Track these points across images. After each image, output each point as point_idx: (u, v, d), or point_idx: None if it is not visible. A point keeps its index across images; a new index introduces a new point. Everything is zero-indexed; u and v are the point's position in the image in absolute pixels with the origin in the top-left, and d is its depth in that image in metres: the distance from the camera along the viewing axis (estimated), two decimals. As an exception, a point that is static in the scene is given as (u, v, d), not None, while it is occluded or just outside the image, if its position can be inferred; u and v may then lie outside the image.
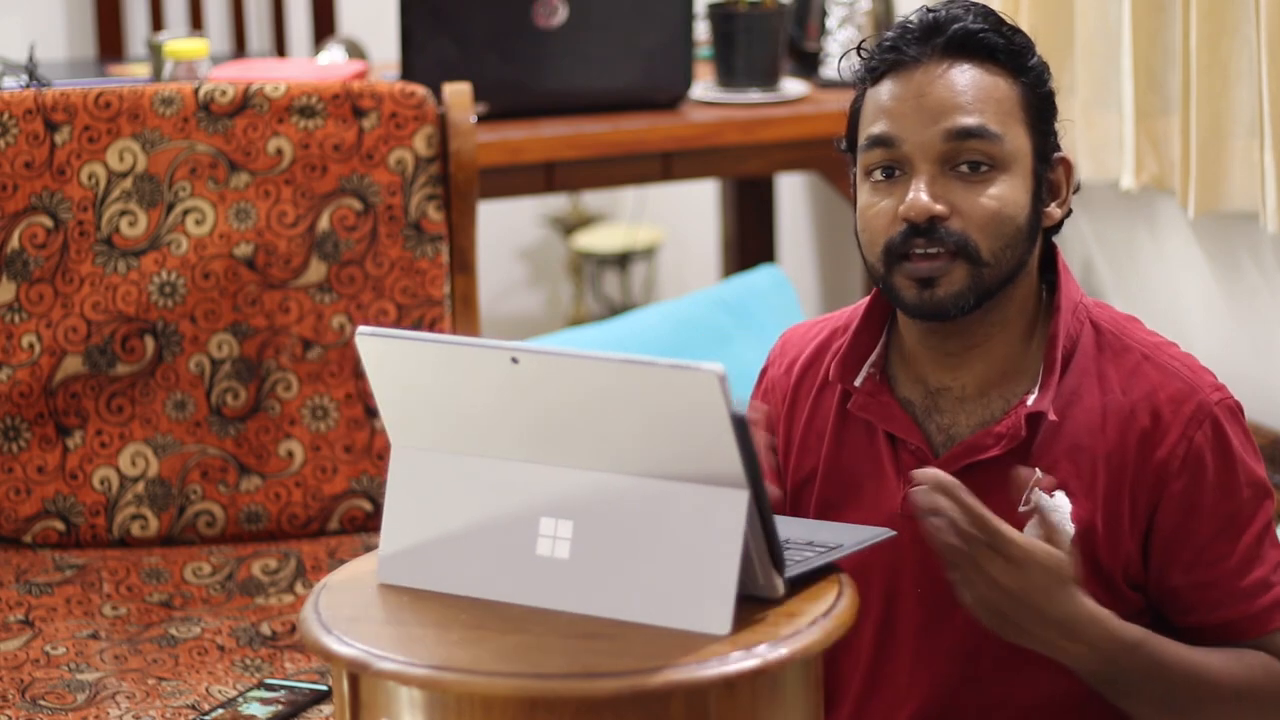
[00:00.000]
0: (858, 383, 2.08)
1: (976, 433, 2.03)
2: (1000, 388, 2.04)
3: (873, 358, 2.09)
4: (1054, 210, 2.05)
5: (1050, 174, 2.04)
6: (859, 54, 2.05)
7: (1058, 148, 2.05)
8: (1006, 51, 2.00)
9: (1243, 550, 2.01)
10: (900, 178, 1.99)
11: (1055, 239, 2.09)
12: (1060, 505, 1.99)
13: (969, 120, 1.97)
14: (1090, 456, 2.00)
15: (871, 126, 2.00)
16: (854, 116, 2.06)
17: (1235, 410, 2.04)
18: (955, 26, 1.99)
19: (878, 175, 2.00)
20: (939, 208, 1.96)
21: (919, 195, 1.96)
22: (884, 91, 2.01)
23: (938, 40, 1.99)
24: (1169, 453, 2.00)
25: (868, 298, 2.14)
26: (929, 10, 2.02)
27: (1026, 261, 2.02)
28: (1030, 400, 2.01)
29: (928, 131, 1.97)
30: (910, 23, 2.02)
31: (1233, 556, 2.01)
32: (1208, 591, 2.01)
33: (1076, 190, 2.09)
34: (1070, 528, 1.98)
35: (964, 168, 1.97)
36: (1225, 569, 2.01)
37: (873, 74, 2.02)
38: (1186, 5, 3.15)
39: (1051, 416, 2.00)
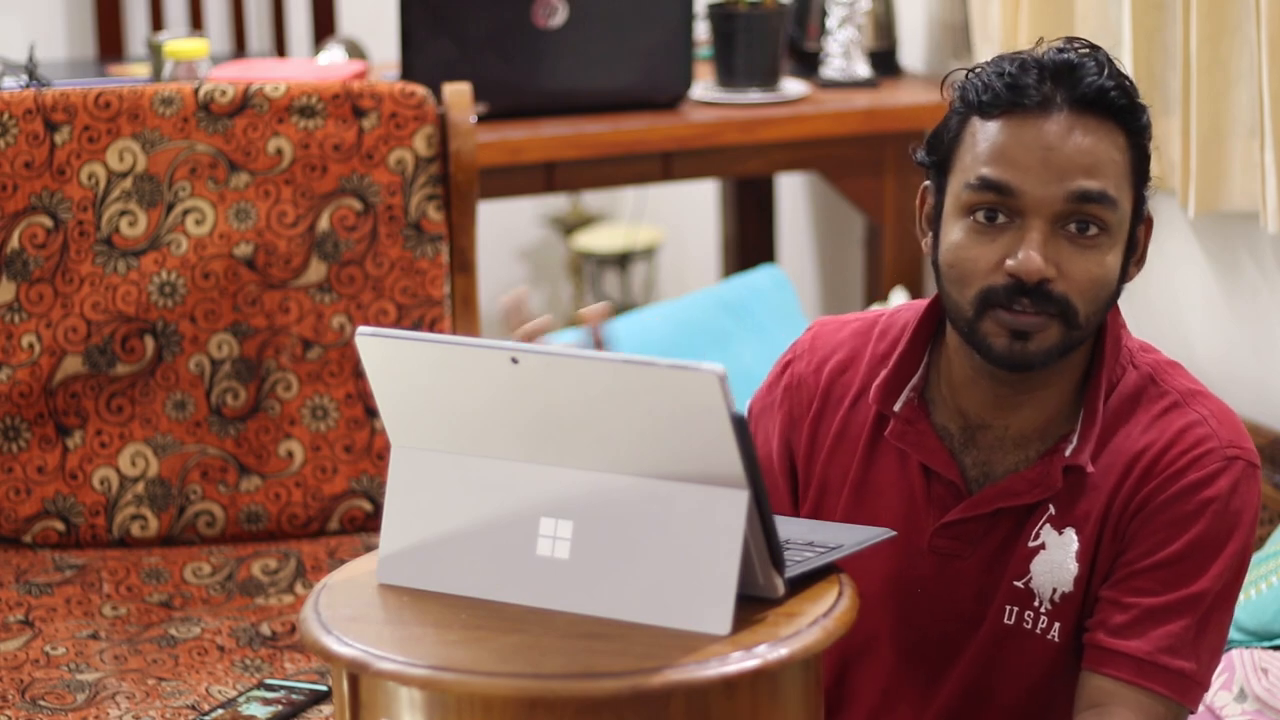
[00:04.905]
0: (897, 408, 2.05)
1: (1010, 476, 2.01)
2: (1040, 431, 2.02)
3: (914, 381, 2.05)
4: (1132, 269, 2.00)
5: (1137, 230, 1.99)
6: (971, 78, 1.96)
7: (1145, 203, 1.99)
8: (1129, 110, 1.94)
9: (1171, 603, 1.95)
10: (1005, 225, 1.93)
11: None
12: (1068, 543, 1.99)
13: (1093, 185, 1.91)
14: (1100, 495, 1.99)
15: (984, 168, 1.92)
16: (949, 137, 1.97)
17: (1246, 472, 1.98)
18: (1089, 80, 1.92)
19: (980, 216, 1.93)
20: (1051, 271, 1.91)
21: (1033, 255, 1.90)
22: (1002, 133, 1.93)
23: (1067, 91, 1.92)
24: (1160, 482, 1.97)
25: (909, 314, 2.09)
26: (1059, 50, 1.94)
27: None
28: (1069, 451, 1.99)
29: (1051, 189, 1.91)
30: (1035, 61, 1.94)
31: (1157, 598, 1.96)
32: (1112, 612, 1.97)
33: None
34: (1074, 566, 1.99)
35: (1073, 227, 1.92)
36: (1142, 604, 1.96)
37: (986, 107, 1.94)
38: (1186, 5, 3.15)
39: (1090, 469, 1.98)
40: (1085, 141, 1.91)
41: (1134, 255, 2.00)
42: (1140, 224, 1.99)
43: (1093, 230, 1.92)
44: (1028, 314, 1.92)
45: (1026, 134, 1.92)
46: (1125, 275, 1.99)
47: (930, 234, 2.01)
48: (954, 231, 1.96)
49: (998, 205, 1.93)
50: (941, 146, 1.99)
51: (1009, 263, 1.92)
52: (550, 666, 1.68)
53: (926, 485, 2.04)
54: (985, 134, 1.94)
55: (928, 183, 2.02)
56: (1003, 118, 1.93)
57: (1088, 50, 1.95)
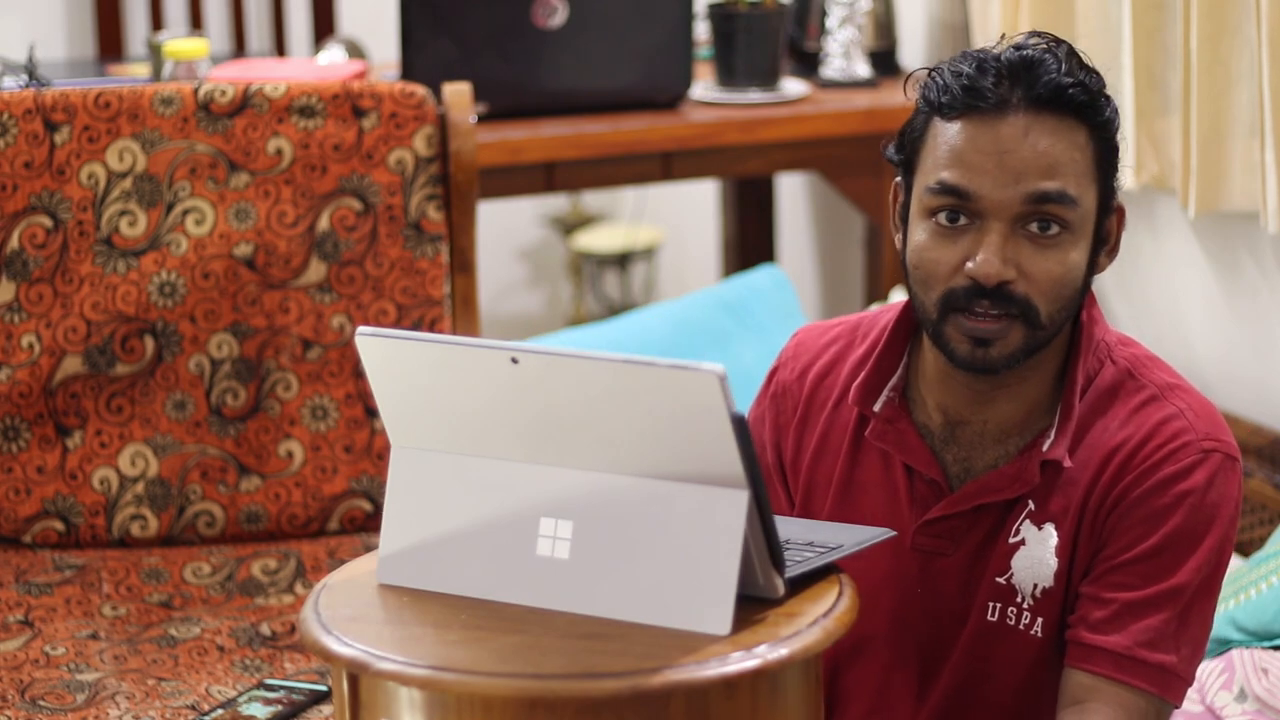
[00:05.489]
0: (877, 408, 2.05)
1: (990, 473, 2.02)
2: (1020, 426, 2.02)
3: (893, 381, 2.06)
4: (1104, 260, 2.01)
5: (1106, 223, 1.99)
6: (933, 78, 1.96)
7: (1115, 194, 1.99)
8: (1089, 106, 1.94)
9: (1150, 597, 1.95)
10: (966, 226, 1.93)
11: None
12: (1047, 538, 2.00)
13: (1051, 185, 1.91)
14: (1077, 489, 1.99)
15: (944, 171, 1.93)
16: (913, 136, 1.98)
17: (1224, 466, 1.98)
18: (1045, 79, 1.92)
19: (942, 219, 1.94)
20: (1010, 273, 1.92)
21: (991, 259, 1.91)
22: (959, 135, 1.93)
23: (1023, 91, 1.92)
24: (1136, 476, 1.97)
25: (889, 315, 2.10)
26: (1015, 49, 1.94)
27: (1076, 311, 2.00)
28: (1046, 446, 1.99)
29: (1008, 191, 1.91)
30: (994, 61, 1.94)
31: (1135, 592, 1.96)
32: (1091, 607, 1.97)
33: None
34: (1054, 561, 1.99)
35: (1034, 226, 1.92)
36: (1121, 599, 1.96)
37: (945, 109, 1.94)
38: (1187, 5, 3.15)
39: (1066, 464, 1.99)
40: (1042, 142, 1.92)
41: (1105, 247, 2.00)
42: (1109, 216, 1.99)
43: (1054, 229, 1.93)
44: (988, 320, 1.93)
45: (983, 136, 1.92)
46: (1094, 267, 1.99)
47: (901, 231, 2.02)
48: (918, 232, 1.97)
49: (958, 208, 1.93)
50: (907, 145, 2.00)
51: (968, 265, 1.93)
52: (550, 666, 1.68)
53: (909, 484, 2.05)
54: (945, 136, 1.95)
55: (899, 179, 2.03)
56: (961, 119, 1.94)
57: (1048, 46, 1.95)
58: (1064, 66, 1.94)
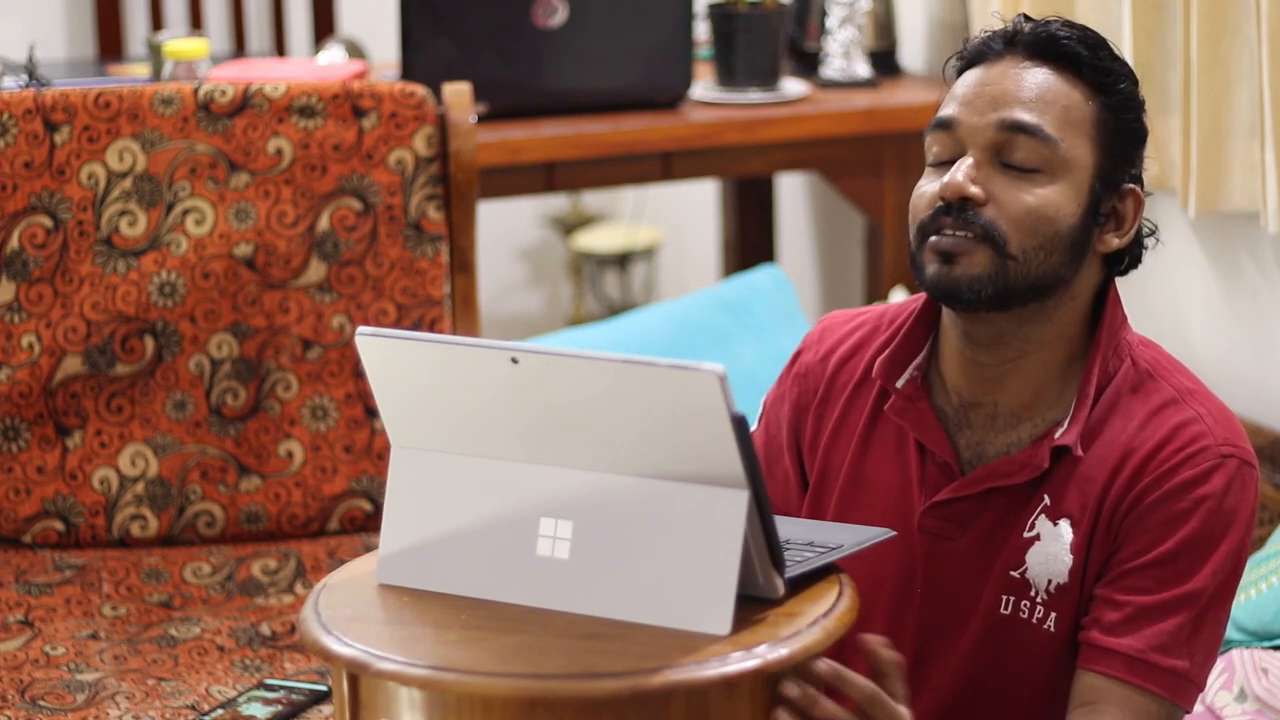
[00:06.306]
0: (900, 384, 2.06)
1: (1001, 458, 2.02)
2: (1032, 412, 2.03)
3: (917, 360, 2.07)
4: (1111, 238, 2.02)
5: (1117, 201, 2.01)
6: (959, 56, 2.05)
7: (1132, 179, 2.01)
8: (1091, 66, 1.98)
9: (1164, 601, 1.95)
10: (950, 163, 1.99)
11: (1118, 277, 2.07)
12: (1062, 534, 2.00)
13: (1025, 116, 1.96)
14: (1094, 487, 1.99)
15: (940, 111, 2.01)
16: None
17: (1241, 470, 1.98)
18: (1041, 30, 1.99)
19: (935, 159, 2.00)
20: (973, 189, 1.95)
21: (955, 175, 1.95)
22: (961, 81, 2.02)
23: (1024, 39, 2.00)
24: (1154, 479, 1.97)
25: (916, 303, 2.11)
26: (1027, 19, 2.03)
27: (1068, 277, 1.99)
28: (1059, 433, 2.00)
29: (983, 118, 1.97)
30: (1007, 27, 2.03)
31: (1150, 596, 1.96)
32: (1105, 610, 1.97)
33: (1152, 233, 2.07)
34: (1068, 558, 1.99)
35: (1014, 164, 1.96)
36: (1135, 603, 1.96)
37: (960, 66, 2.03)
38: (1187, 5, 3.15)
39: (1078, 452, 1.99)
40: (1028, 78, 1.98)
41: (1114, 225, 2.02)
42: (1115, 192, 2.01)
43: (1029, 165, 1.96)
44: (952, 236, 1.96)
45: (975, 76, 2.01)
46: (1090, 234, 1.99)
47: None
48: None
49: (946, 144, 1.99)
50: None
51: (938, 188, 1.97)
52: (550, 666, 1.68)
53: (921, 466, 2.05)
54: (950, 88, 2.03)
55: None
56: (968, 69, 2.03)
57: (1069, 25, 2.02)
58: (1075, 34, 2.00)
